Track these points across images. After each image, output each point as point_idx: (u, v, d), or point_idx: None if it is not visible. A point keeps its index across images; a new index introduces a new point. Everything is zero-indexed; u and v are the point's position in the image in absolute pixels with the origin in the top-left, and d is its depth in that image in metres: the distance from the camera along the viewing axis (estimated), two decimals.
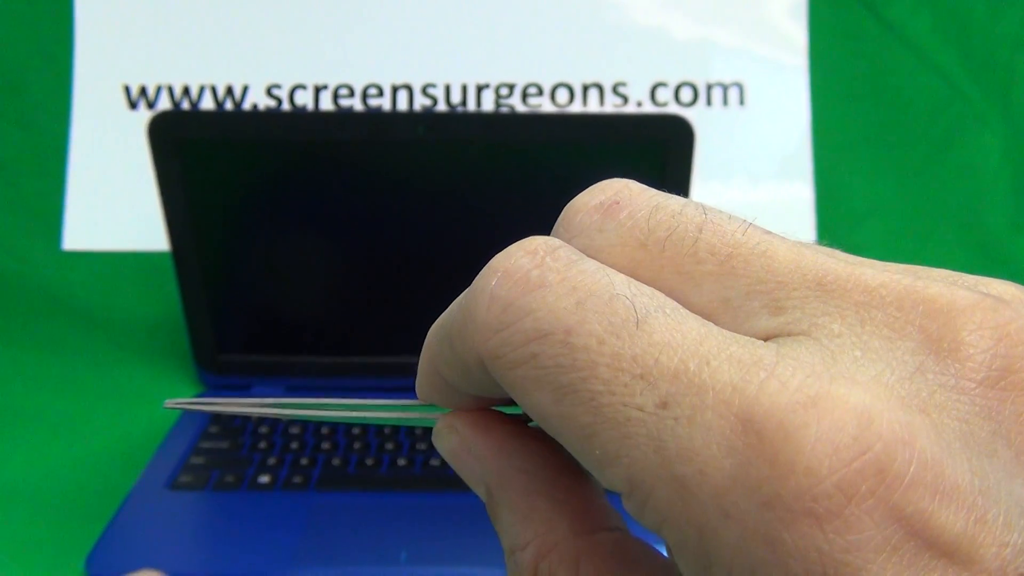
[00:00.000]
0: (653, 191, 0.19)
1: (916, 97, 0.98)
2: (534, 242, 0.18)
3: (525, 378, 0.17)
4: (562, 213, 0.20)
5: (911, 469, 0.14)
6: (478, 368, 0.18)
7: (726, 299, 0.17)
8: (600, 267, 0.17)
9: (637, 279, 0.17)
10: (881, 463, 0.14)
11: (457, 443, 0.21)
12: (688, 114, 0.73)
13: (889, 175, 0.98)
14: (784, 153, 0.96)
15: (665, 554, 0.19)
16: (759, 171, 0.96)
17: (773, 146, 0.96)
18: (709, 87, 0.96)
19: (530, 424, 0.21)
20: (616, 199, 0.19)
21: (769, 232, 0.18)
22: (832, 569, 0.13)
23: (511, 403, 0.21)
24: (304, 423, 0.78)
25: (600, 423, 0.15)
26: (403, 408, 0.23)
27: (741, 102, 0.96)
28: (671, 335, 0.16)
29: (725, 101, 0.96)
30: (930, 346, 0.15)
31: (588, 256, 0.18)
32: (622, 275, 0.17)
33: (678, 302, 0.17)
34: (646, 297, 0.16)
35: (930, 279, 0.16)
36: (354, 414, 0.23)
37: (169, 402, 0.24)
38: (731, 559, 0.14)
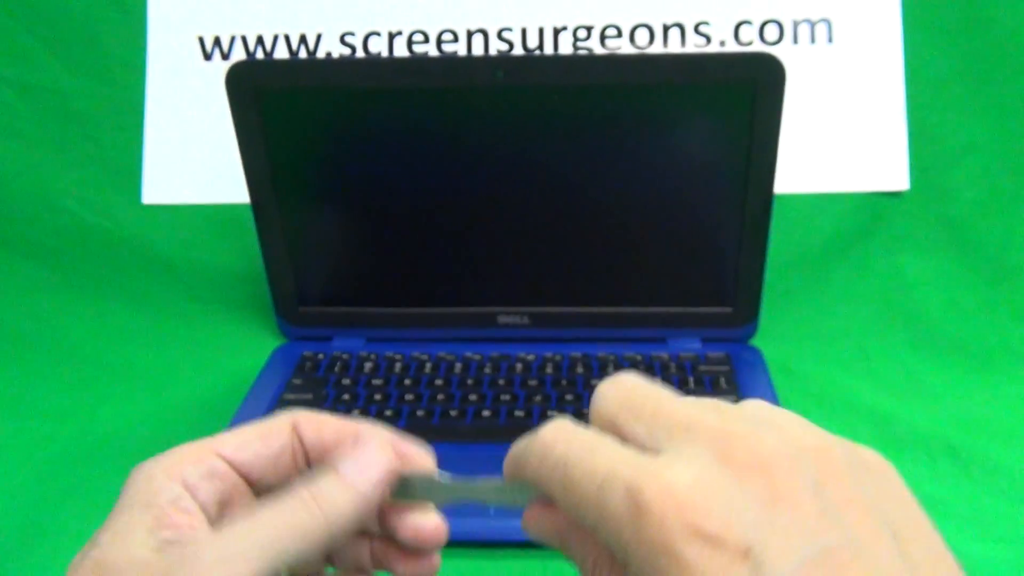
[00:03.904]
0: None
1: (1015, 29, 0.93)
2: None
3: (550, 482, 0.31)
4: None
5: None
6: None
7: (649, 433, 0.30)
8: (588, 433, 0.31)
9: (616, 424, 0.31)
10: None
11: (562, 519, 0.33)
12: (774, 53, 0.70)
13: (986, 112, 0.93)
14: (875, 91, 0.92)
15: None
16: (849, 111, 0.92)
17: (863, 84, 0.92)
18: (795, 24, 0.92)
19: None
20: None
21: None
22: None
23: None
24: (386, 376, 0.78)
25: (573, 486, 0.29)
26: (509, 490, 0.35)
27: (829, 39, 0.92)
28: (611, 452, 0.29)
29: (812, 39, 0.92)
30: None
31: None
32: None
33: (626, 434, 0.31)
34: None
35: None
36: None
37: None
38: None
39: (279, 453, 0.37)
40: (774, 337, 0.84)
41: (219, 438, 0.36)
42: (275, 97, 0.73)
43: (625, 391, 0.31)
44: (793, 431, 0.28)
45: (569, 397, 0.74)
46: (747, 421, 0.28)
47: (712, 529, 0.24)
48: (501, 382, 0.76)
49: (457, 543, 0.60)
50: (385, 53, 0.95)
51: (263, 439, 0.37)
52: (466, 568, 0.59)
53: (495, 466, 0.68)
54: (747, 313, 0.80)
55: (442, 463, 0.67)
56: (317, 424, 0.37)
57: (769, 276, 0.79)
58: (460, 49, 0.94)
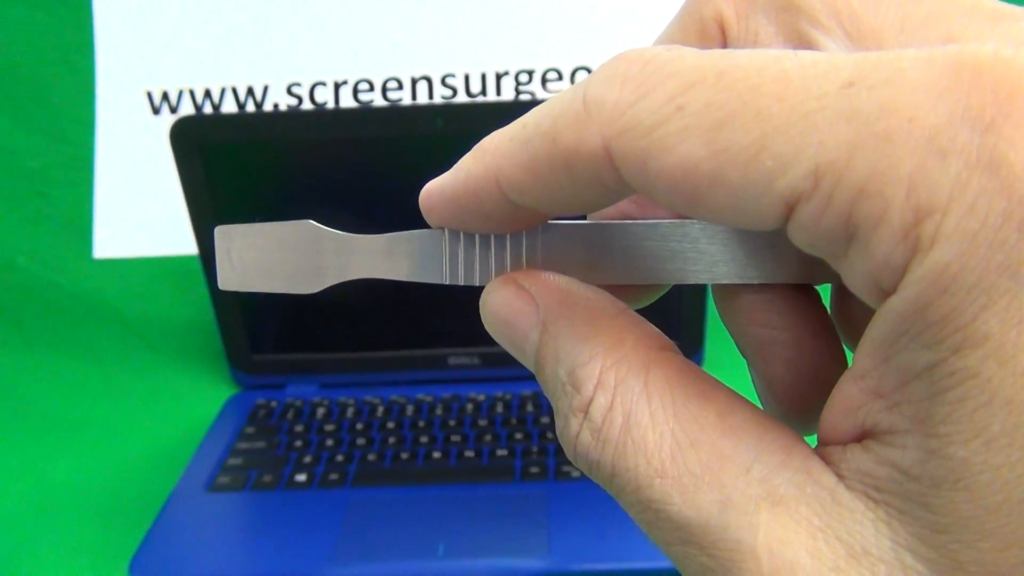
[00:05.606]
0: None
1: None
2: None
3: (667, 136, 0.15)
4: None
5: None
6: (589, 158, 0.17)
7: (902, 24, 0.18)
8: None
9: None
10: None
11: (512, 292, 0.21)
12: None
13: None
14: None
15: None
16: None
17: None
18: None
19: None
20: None
21: None
22: None
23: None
24: (339, 422, 0.79)
25: (770, 132, 0.15)
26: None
27: None
28: (835, 55, 0.15)
29: None
30: None
31: None
32: None
33: (851, 20, 0.18)
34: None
35: None
36: None
37: None
38: (948, 203, 0.14)
39: None
40: (719, 367, 0.86)
41: None
42: (218, 150, 0.74)
43: None
44: None
45: (519, 436, 0.75)
46: None
47: None
48: (452, 423, 0.77)
49: None
50: (332, 103, 0.96)
51: None
52: None
53: (447, 508, 0.69)
54: (692, 346, 0.82)
55: (394, 507, 0.68)
56: None
57: (712, 307, 0.81)
58: (405, 96, 0.96)
